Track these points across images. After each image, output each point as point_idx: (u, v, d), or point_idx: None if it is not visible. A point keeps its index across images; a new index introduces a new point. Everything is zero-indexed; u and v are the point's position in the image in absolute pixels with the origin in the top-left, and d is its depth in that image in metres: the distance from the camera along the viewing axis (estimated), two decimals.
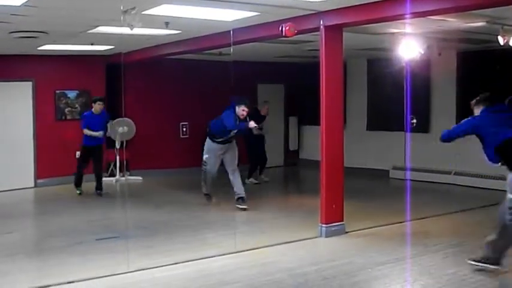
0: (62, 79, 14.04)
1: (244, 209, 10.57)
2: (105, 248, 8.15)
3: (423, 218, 9.83)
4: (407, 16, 7.67)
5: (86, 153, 12.55)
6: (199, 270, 7.09)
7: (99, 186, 12.59)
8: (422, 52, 10.85)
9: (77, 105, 14.20)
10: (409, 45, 10.56)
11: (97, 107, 12.57)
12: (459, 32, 10.13)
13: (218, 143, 10.89)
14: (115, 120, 13.65)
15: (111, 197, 12.60)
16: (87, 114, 12.62)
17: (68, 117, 14.13)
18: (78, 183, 12.59)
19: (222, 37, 10.02)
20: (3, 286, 6.40)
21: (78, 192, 12.57)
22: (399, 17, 7.94)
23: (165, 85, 15.22)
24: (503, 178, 6.65)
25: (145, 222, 9.86)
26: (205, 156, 11.05)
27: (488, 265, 6.74)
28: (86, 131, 12.32)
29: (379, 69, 14.53)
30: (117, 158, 13.82)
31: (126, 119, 13.61)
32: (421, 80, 13.47)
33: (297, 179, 15.26)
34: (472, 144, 11.50)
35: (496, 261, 6.72)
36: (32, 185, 13.63)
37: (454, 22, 8.99)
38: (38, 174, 13.72)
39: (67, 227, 9.60)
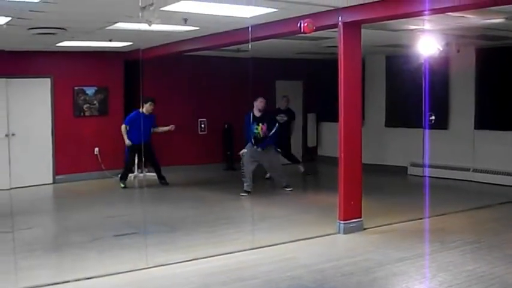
0: (80, 75, 14.10)
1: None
2: (123, 244, 8.19)
3: (441, 215, 9.80)
4: (426, 13, 7.64)
5: (132, 151, 12.76)
6: (218, 266, 7.11)
7: (161, 176, 13.12)
8: (441, 49, 10.80)
9: (95, 102, 14.26)
10: (427, 42, 10.52)
11: (148, 108, 12.67)
12: (478, 28, 10.08)
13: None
14: None
15: (130, 192, 12.71)
16: (134, 113, 12.76)
17: (87, 113, 14.20)
18: (123, 177, 12.91)
19: (240, 34, 10.01)
20: (23, 281, 6.44)
21: (122, 185, 12.84)
22: (418, 14, 7.91)
23: (183, 81, 15.25)
24: None
25: (163, 218, 9.89)
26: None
27: None
28: (126, 140, 12.55)
29: (397, 65, 14.47)
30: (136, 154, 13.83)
31: None
32: (440, 77, 13.41)
33: (315, 175, 15.21)
34: (490, 141, 11.45)
35: None
36: (51, 181, 13.71)
37: (472, 19, 8.95)
38: (57, 171, 13.80)
39: (85, 222, 9.66)
